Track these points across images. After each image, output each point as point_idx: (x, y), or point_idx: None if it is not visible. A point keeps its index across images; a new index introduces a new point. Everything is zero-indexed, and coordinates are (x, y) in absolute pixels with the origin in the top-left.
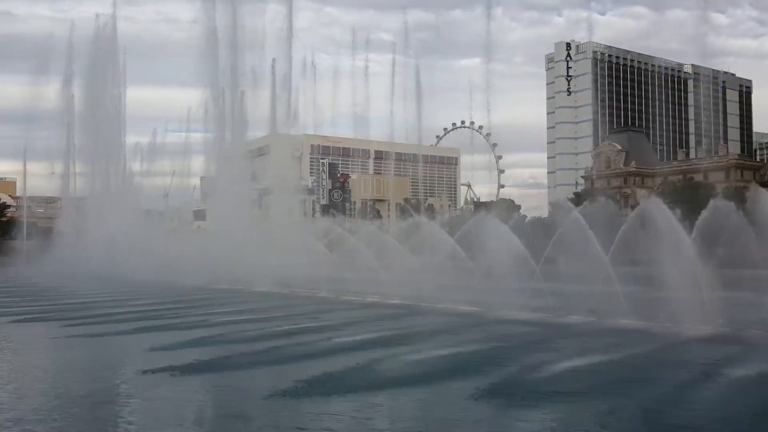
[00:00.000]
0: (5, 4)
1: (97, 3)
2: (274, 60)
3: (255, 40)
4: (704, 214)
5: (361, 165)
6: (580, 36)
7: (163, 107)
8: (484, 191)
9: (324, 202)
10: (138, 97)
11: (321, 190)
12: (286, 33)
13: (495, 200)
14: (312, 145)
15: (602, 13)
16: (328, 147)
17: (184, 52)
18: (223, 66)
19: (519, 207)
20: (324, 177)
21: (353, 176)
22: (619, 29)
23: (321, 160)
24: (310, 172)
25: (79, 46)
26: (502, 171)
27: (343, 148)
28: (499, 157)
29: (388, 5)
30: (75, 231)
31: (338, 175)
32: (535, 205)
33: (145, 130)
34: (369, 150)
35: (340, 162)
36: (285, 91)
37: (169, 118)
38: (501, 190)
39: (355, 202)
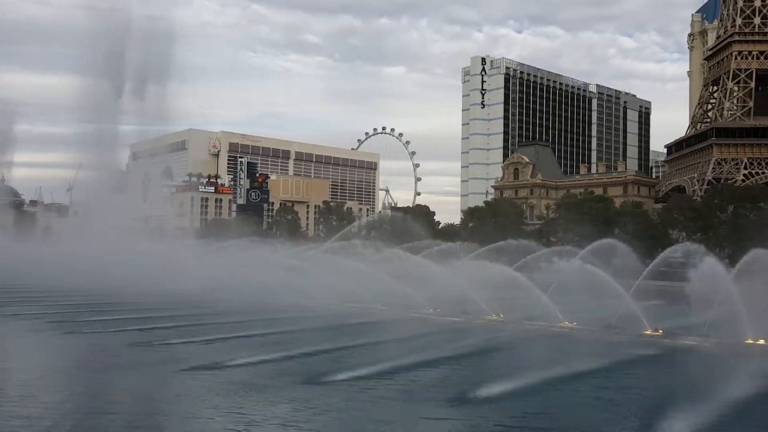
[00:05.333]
0: None
1: None
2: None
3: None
4: None
5: (281, 166)
6: (498, 51)
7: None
8: (401, 197)
9: (242, 201)
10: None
11: (239, 189)
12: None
13: (411, 206)
14: (230, 143)
15: (519, 31)
16: (248, 146)
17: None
18: (119, 56)
19: (434, 213)
20: (242, 176)
21: (272, 176)
22: (534, 47)
23: (239, 159)
24: (228, 171)
25: None
26: (419, 179)
27: (263, 148)
28: (417, 165)
29: (318, 8)
30: None
31: (257, 174)
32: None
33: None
34: (289, 151)
35: (260, 161)
36: (203, 85)
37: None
38: (417, 197)
39: (273, 203)
